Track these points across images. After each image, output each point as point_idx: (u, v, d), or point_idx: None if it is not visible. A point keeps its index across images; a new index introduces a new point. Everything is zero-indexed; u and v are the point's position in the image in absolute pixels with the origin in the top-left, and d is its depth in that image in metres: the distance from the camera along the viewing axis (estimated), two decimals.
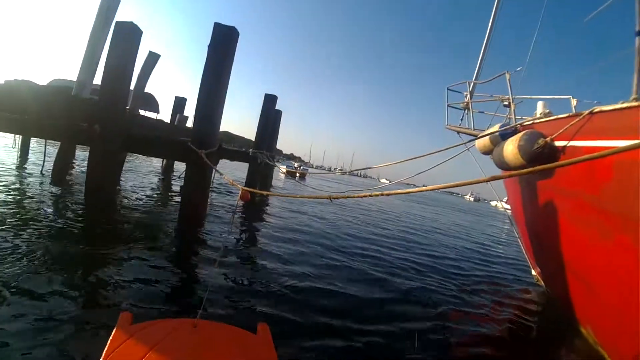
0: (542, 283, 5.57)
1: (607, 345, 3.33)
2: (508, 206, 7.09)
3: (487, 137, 4.47)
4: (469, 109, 6.20)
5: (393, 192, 1.50)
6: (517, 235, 6.06)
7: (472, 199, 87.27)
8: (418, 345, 3.16)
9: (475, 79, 6.58)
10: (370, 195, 1.53)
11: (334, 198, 1.60)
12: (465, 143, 5.02)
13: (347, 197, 1.55)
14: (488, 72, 6.31)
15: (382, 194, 1.49)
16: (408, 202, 26.44)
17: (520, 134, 3.62)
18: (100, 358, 1.52)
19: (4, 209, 5.10)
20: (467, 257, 7.89)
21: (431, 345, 3.24)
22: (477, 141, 4.78)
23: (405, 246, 7.83)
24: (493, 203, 63.10)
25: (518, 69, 4.99)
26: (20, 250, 3.67)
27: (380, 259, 6.23)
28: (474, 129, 5.78)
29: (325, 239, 7.02)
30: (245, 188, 2.47)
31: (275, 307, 3.47)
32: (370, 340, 3.11)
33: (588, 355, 3.50)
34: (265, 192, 2.68)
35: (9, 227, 4.33)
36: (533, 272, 6.09)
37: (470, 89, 6.28)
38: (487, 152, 4.66)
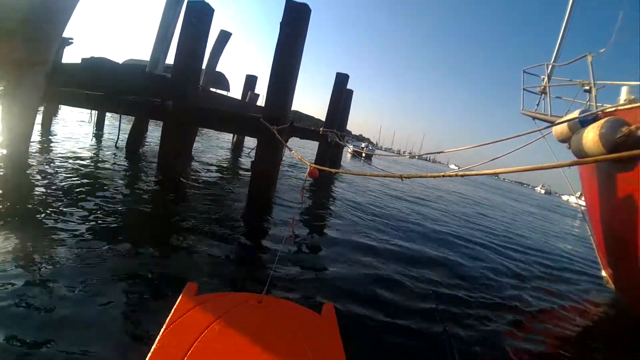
0: (612, 286, 5.23)
1: None
2: (581, 202, 6.66)
3: (565, 124, 4.19)
4: (545, 93, 5.83)
5: (468, 173, 1.50)
6: (589, 233, 5.71)
7: (542, 191, 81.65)
8: (467, 343, 3.08)
9: (553, 62, 6.15)
10: (444, 176, 1.53)
11: (406, 177, 1.59)
12: (541, 130, 4.76)
13: (420, 176, 1.54)
14: (567, 54, 5.88)
15: (456, 175, 1.50)
16: (477, 189, 25.58)
17: (601, 121, 3.38)
18: (164, 324, 1.59)
19: (82, 179, 5.53)
20: (534, 251, 7.59)
21: (482, 345, 3.13)
22: (554, 128, 4.51)
23: (477, 235, 7.81)
24: (564, 197, 58.68)
25: (601, 50, 4.60)
26: (95, 221, 3.95)
27: (452, 246, 6.25)
28: (551, 115, 5.45)
29: (392, 221, 7.11)
30: (314, 165, 2.54)
31: (342, 289, 3.50)
32: (430, 334, 3.07)
33: None
34: (334, 170, 2.72)
35: (86, 197, 4.71)
36: (603, 273, 5.72)
37: (548, 72, 5.88)
38: (565, 139, 4.39)
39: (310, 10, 5.96)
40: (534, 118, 5.87)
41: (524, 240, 8.83)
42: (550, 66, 5.92)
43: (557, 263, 6.99)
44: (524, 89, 6.25)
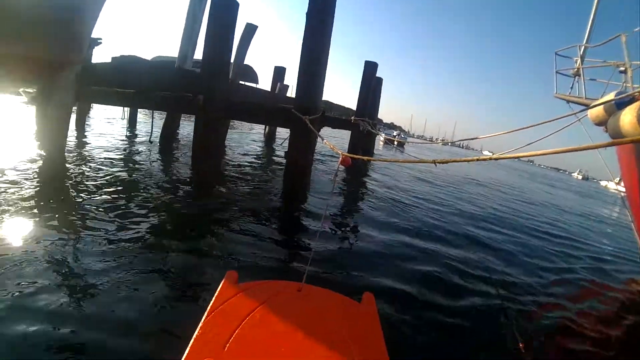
0: None
1: None
2: (621, 188, 6.47)
3: (601, 107, 4.11)
4: (579, 75, 5.67)
5: (502, 156, 1.54)
6: (629, 219, 5.56)
7: (580, 177, 78.66)
8: (504, 327, 3.06)
9: (586, 42, 5.96)
10: (478, 159, 1.57)
11: (439, 162, 1.62)
12: (576, 113, 4.66)
13: (454, 160, 1.57)
14: (601, 33, 5.69)
15: (490, 158, 1.54)
16: (513, 175, 25.05)
17: (638, 103, 3.32)
18: (205, 312, 1.62)
19: (119, 174, 5.72)
20: (574, 236, 7.51)
21: (513, 329, 3.08)
22: (589, 111, 4.41)
23: (517, 220, 7.82)
24: (603, 183, 56.27)
25: (636, 29, 4.45)
26: (135, 212, 4.12)
27: (494, 231, 6.29)
28: (585, 98, 5.32)
29: (429, 206, 7.20)
30: (346, 153, 2.58)
31: (380, 276, 3.51)
32: (466, 321, 3.02)
33: None
34: (365, 157, 2.76)
35: (123, 191, 4.87)
36: None
37: (581, 53, 5.71)
38: (601, 122, 4.30)
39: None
40: (568, 101, 5.74)
41: (564, 225, 8.70)
42: (582, 47, 5.75)
43: (598, 248, 6.89)
44: (556, 72, 6.10)
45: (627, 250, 7.14)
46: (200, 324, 1.53)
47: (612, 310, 3.89)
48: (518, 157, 1.66)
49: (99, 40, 11.02)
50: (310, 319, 1.71)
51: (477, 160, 1.54)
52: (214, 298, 1.74)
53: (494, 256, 4.83)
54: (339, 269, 3.53)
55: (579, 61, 5.75)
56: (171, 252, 3.29)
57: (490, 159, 1.52)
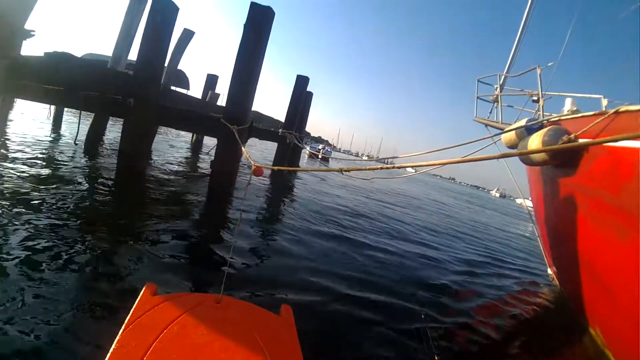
0: (557, 282, 5.53)
1: (614, 347, 3.32)
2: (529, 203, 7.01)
3: (514, 131, 4.45)
4: (498, 102, 6.12)
5: (404, 165, 1.56)
6: (536, 233, 6.00)
7: (497, 194, 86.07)
8: (422, 332, 3.17)
9: (506, 72, 6.46)
10: (381, 168, 1.59)
11: (345, 171, 1.66)
12: (492, 136, 4.99)
13: (358, 169, 1.58)
14: (521, 65, 6.21)
15: (393, 167, 1.56)
16: (434, 191, 26.26)
17: (545, 129, 3.61)
18: (123, 325, 1.58)
19: (37, 178, 5.26)
20: (482, 250, 7.89)
21: (434, 332, 3.25)
22: (503, 135, 4.75)
23: (419, 233, 7.97)
24: (518, 200, 61.43)
25: (550, 64, 4.88)
26: (50, 219, 3.81)
27: (398, 244, 6.36)
28: (502, 123, 5.72)
29: (343, 218, 7.24)
30: (258, 164, 2.56)
31: (297, 287, 3.55)
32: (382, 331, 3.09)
33: (594, 356, 3.49)
34: (276, 167, 2.73)
35: (40, 196, 4.49)
36: (549, 271, 6.04)
37: (501, 82, 6.19)
38: (513, 146, 4.63)
39: (274, 13, 6.00)
40: (486, 125, 6.14)
41: (481, 238, 9.17)
42: (502, 76, 6.21)
43: (509, 258, 7.37)
44: (477, 97, 6.51)
45: (538, 262, 7.68)
46: (117, 337, 1.50)
47: (514, 321, 4.11)
48: (419, 166, 1.69)
49: (31, 33, 10.03)
50: (228, 331, 1.71)
51: (381, 168, 1.55)
52: (132, 310, 1.69)
53: (408, 267, 5.07)
54: (258, 281, 3.49)
55: (498, 89, 6.20)
56: (88, 263, 3.08)
57: (394, 167, 1.54)
